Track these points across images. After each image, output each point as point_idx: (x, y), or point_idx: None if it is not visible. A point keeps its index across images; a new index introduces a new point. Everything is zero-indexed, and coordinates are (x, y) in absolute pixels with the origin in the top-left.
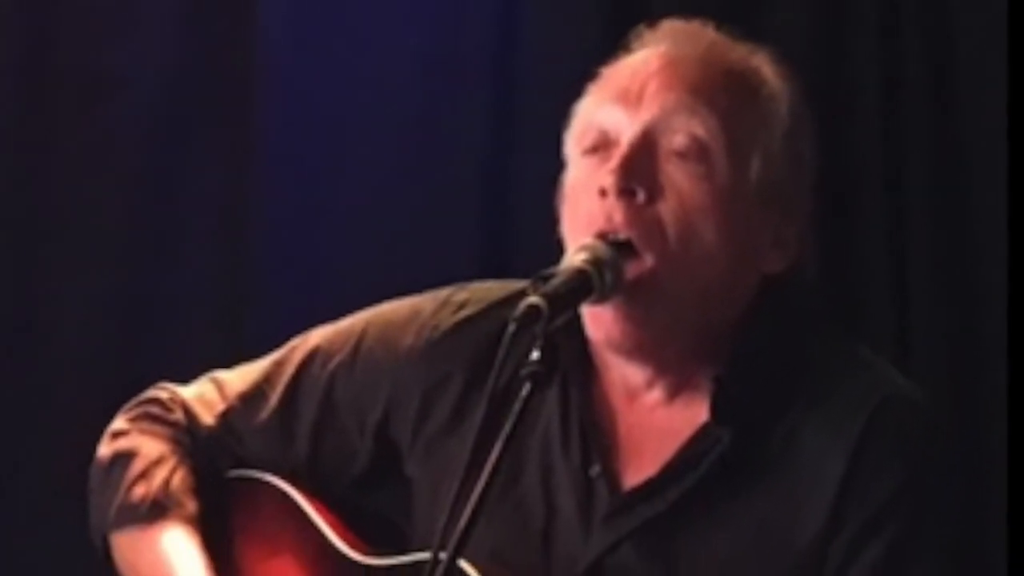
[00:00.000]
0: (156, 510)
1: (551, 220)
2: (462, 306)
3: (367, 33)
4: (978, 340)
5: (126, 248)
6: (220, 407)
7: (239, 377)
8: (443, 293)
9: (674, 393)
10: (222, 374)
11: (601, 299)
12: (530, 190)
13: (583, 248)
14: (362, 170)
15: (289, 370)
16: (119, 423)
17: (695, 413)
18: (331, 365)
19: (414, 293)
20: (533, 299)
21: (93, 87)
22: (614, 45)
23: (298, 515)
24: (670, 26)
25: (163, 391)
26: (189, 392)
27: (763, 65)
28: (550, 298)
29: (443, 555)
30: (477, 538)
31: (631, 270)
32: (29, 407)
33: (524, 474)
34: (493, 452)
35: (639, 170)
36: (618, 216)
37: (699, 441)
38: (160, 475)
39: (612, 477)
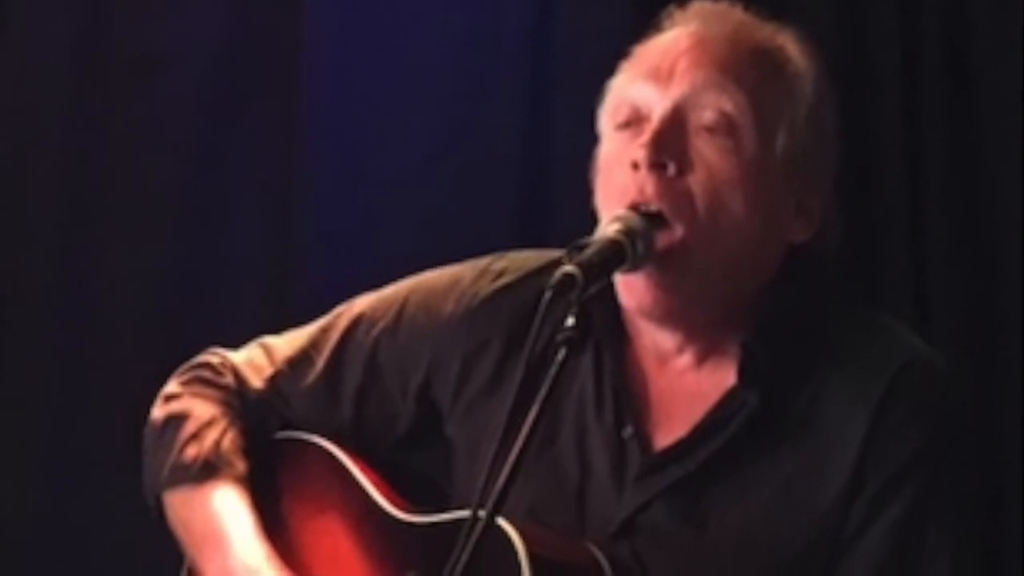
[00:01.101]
0: (207, 470)
1: (586, 192)
2: (500, 274)
3: (409, 11)
4: (994, 309)
5: (177, 220)
6: (268, 371)
7: (287, 343)
8: (482, 262)
9: (703, 358)
10: (270, 340)
11: (633, 268)
12: (565, 163)
13: (616, 219)
14: (404, 144)
15: (335, 336)
16: (172, 387)
17: (723, 377)
18: (375, 331)
19: (454, 262)
20: (568, 268)
21: (145, 64)
22: (646, 24)
23: (343, 474)
24: (699, 6)
25: (214, 356)
26: (239, 357)
27: (788, 44)
28: (584, 267)
29: (482, 512)
30: (514, 496)
31: (662, 240)
32: (86, 372)
33: (559, 435)
34: (530, 414)
35: (670, 144)
36: (649, 188)
37: (727, 404)
38: (211, 436)
39: (644, 438)
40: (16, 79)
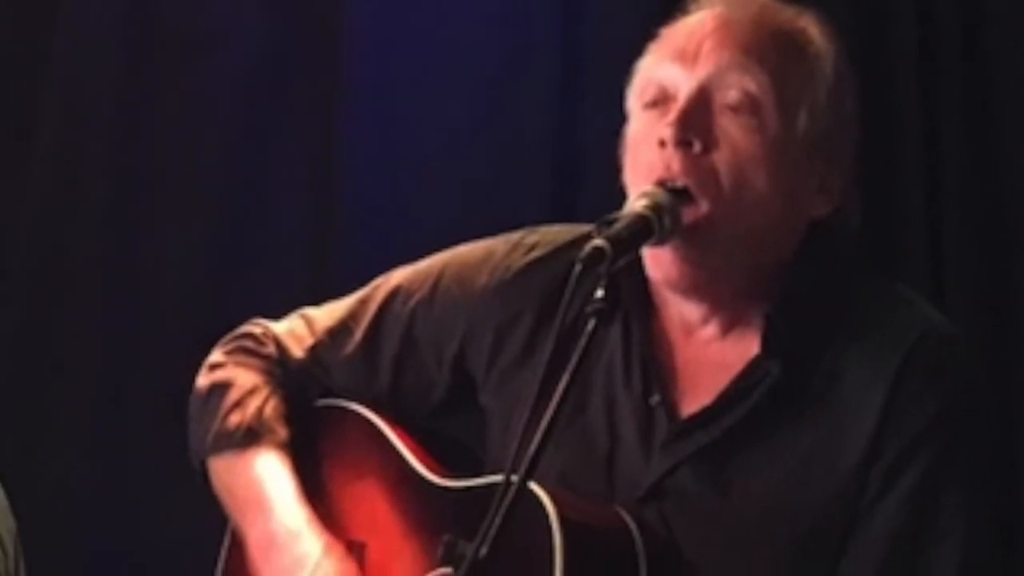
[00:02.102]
0: (250, 436)
1: (615, 169)
2: (532, 248)
3: None
4: (1008, 283)
5: (222, 196)
6: (309, 341)
7: (327, 314)
8: (515, 236)
9: (728, 328)
10: (311, 311)
11: (660, 241)
12: (595, 141)
13: (644, 194)
14: (441, 123)
15: (373, 307)
16: (216, 356)
17: (747, 347)
18: (411, 303)
19: (488, 236)
20: (598, 242)
21: (192, 45)
22: (673, 7)
23: (381, 441)
24: None
25: (257, 326)
26: (281, 327)
27: (809, 26)
28: (613, 241)
29: (514, 477)
30: (546, 462)
31: (688, 215)
32: (134, 342)
33: (589, 404)
34: (561, 383)
35: (695, 123)
36: (676, 165)
37: (751, 373)
38: (254, 404)
39: (670, 406)
40: (68, 58)
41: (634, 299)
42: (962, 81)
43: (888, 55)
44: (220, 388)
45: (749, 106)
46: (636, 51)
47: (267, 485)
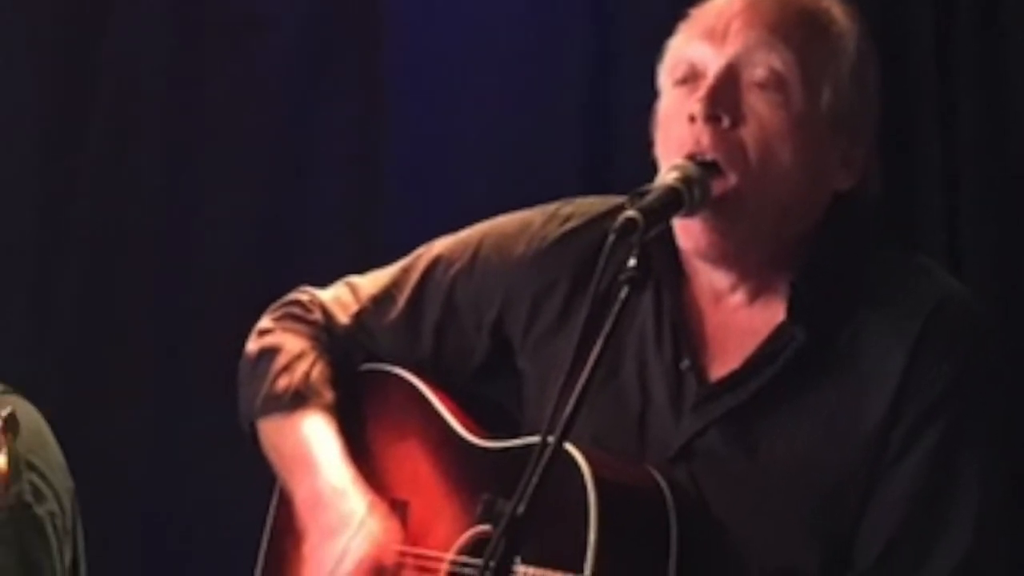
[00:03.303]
0: (297, 399)
1: (647, 143)
2: (568, 219)
3: None
4: (1023, 252)
5: (270, 169)
6: (354, 308)
7: (371, 282)
8: (551, 207)
9: (754, 296)
10: (356, 279)
11: (690, 213)
12: (628, 117)
13: (674, 168)
14: (479, 99)
15: (415, 276)
16: (265, 322)
17: (773, 314)
18: (452, 271)
19: (525, 207)
20: (630, 213)
21: (240, 26)
22: None
23: (423, 403)
24: None
25: (304, 294)
26: (327, 295)
27: (832, 6)
28: (645, 212)
29: (550, 438)
30: (580, 424)
31: (717, 187)
32: (187, 310)
33: (622, 368)
34: (595, 348)
35: (724, 99)
36: (705, 139)
37: (777, 338)
38: (301, 368)
39: (700, 370)
40: (122, 40)
41: (665, 268)
42: (978, 55)
43: (906, 30)
44: (269, 353)
45: (775, 83)
46: (667, 30)
47: (314, 446)
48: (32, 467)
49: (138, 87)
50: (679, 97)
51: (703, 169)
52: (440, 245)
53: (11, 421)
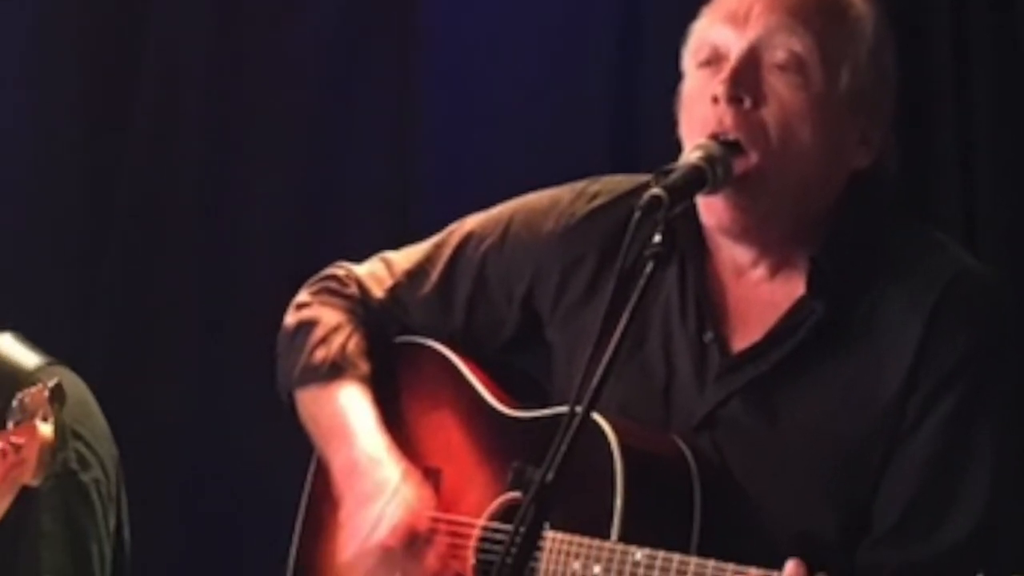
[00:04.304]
0: (334, 370)
1: (671, 123)
2: (595, 196)
3: None
4: None
5: (309, 147)
6: (389, 282)
7: (405, 257)
8: (579, 185)
9: (775, 270)
10: (390, 254)
11: (713, 190)
12: (653, 98)
13: (698, 147)
14: (509, 78)
15: (447, 251)
16: (302, 296)
17: (793, 288)
18: (483, 247)
19: (555, 185)
20: (656, 190)
21: (279, 8)
22: None
23: (455, 374)
24: None
25: (340, 268)
26: (362, 269)
27: None
28: (670, 189)
29: (578, 408)
30: (607, 394)
31: (739, 166)
32: (227, 283)
33: (647, 340)
34: (621, 321)
35: (746, 80)
36: (728, 120)
37: (797, 311)
38: (338, 340)
39: (723, 342)
40: (165, 20)
41: (689, 243)
42: (992, 32)
43: (922, 14)
44: (306, 326)
45: (795, 65)
46: (691, 14)
47: (350, 415)
48: (78, 436)
49: (180, 68)
50: (703, 79)
51: (726, 148)
52: (472, 221)
53: (57, 392)
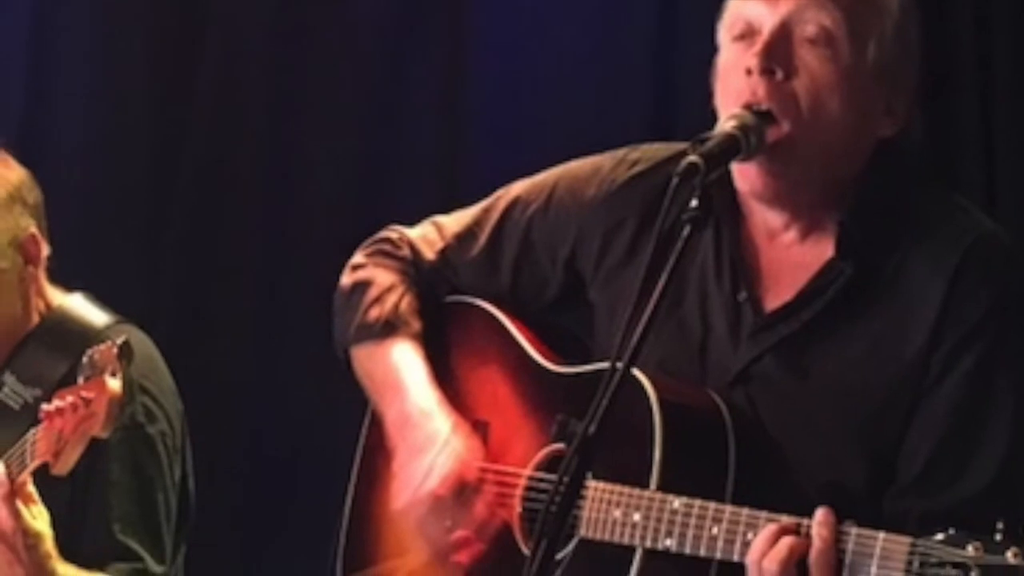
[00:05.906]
0: (388, 328)
1: (707, 94)
2: (635, 163)
3: None
4: None
5: (364, 119)
6: (439, 245)
7: (455, 221)
8: (620, 152)
9: (806, 234)
10: (441, 218)
11: (747, 157)
12: (690, 70)
13: (732, 116)
14: (555, 53)
15: (495, 215)
16: (358, 257)
17: (823, 250)
18: (529, 211)
19: (597, 152)
20: (692, 158)
21: None
22: None
23: (502, 332)
24: None
25: (393, 232)
26: (414, 232)
27: None
28: (706, 157)
29: (619, 364)
30: (646, 351)
31: (771, 134)
32: (287, 246)
33: (685, 299)
34: (660, 281)
35: (778, 53)
36: (761, 91)
37: (826, 273)
38: (391, 300)
39: (756, 301)
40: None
41: (724, 208)
42: (1013, 5)
43: None
44: (361, 286)
45: (825, 39)
46: None
47: (403, 371)
48: (145, 390)
49: (243, 42)
50: (737, 52)
51: (759, 118)
52: (518, 187)
53: (126, 348)
